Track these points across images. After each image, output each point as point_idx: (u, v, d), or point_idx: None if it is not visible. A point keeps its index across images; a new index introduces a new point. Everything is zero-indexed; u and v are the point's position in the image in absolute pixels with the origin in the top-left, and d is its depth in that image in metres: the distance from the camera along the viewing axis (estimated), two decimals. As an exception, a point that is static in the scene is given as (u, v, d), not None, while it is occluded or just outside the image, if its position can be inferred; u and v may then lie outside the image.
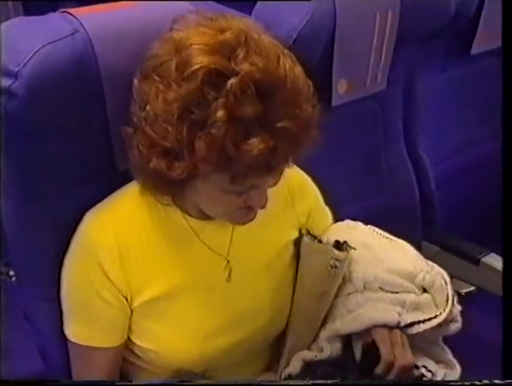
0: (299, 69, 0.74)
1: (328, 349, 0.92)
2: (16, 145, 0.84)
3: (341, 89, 1.19)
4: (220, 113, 0.67)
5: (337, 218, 1.07)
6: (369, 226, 1.03)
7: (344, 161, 1.30)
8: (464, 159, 1.53)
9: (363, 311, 0.90)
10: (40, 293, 0.92)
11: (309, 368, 0.91)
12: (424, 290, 0.94)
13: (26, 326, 0.98)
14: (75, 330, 0.88)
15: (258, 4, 1.11)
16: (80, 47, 0.79)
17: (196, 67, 0.68)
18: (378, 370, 0.86)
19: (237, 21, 0.74)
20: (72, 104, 0.83)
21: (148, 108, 0.73)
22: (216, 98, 0.67)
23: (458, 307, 0.94)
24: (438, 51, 1.41)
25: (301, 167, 0.97)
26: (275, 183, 0.81)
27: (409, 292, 0.92)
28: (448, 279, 0.95)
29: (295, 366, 0.92)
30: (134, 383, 0.96)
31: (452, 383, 0.95)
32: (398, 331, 0.89)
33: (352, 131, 1.29)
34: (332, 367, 0.91)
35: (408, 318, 0.89)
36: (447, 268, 1.37)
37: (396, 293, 0.92)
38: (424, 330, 0.90)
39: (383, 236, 1.01)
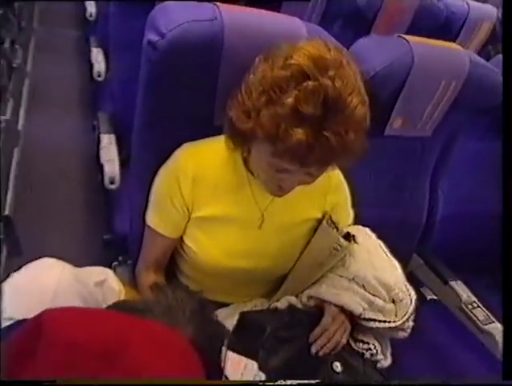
0: (362, 108, 0.70)
1: (306, 303, 0.91)
2: (152, 83, 0.86)
3: (396, 124, 1.12)
4: (290, 100, 0.66)
5: (361, 218, 1.01)
6: (379, 241, 0.97)
7: (379, 175, 1.23)
8: (471, 210, 1.41)
9: (343, 294, 0.87)
10: (140, 186, 0.94)
11: (290, 309, 0.89)
12: (393, 301, 0.88)
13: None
14: (151, 218, 0.91)
15: (360, 40, 1.07)
16: (214, 31, 0.80)
17: (294, 62, 0.67)
18: (313, 332, 0.84)
19: (342, 53, 0.72)
20: (195, 66, 0.84)
21: (251, 76, 0.73)
22: (293, 89, 0.66)
23: (411, 323, 0.89)
24: (482, 123, 1.29)
25: (343, 170, 0.93)
26: (309, 183, 0.77)
27: (380, 298, 0.87)
28: (414, 302, 0.89)
29: (282, 303, 0.91)
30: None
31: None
32: (345, 318, 0.86)
33: (393, 156, 1.21)
34: (304, 316, 0.88)
35: (368, 315, 0.86)
36: (423, 278, 1.35)
37: (373, 295, 0.88)
38: (377, 328, 0.87)
39: (385, 253, 0.95)
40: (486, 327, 1.17)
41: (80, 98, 2.66)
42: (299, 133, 0.66)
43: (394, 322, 0.86)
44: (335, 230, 0.90)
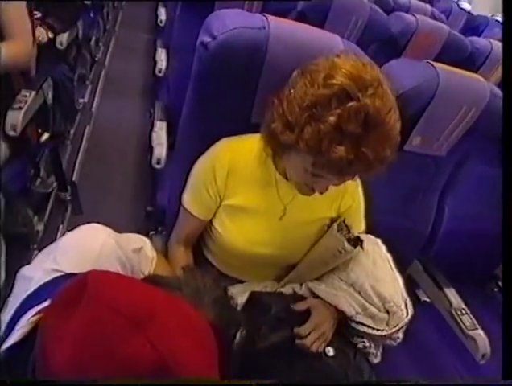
0: (398, 124, 0.64)
1: (306, 294, 0.84)
2: (201, 79, 0.82)
3: (415, 142, 1.03)
4: (333, 119, 0.60)
5: (374, 223, 0.91)
6: (388, 254, 0.85)
7: (394, 186, 1.13)
8: (471, 227, 1.29)
9: (339, 295, 0.80)
10: (181, 170, 0.90)
11: (294, 296, 0.84)
12: (388, 312, 0.79)
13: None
14: (186, 199, 0.87)
15: (392, 62, 1.00)
16: (260, 39, 0.76)
17: (336, 82, 0.61)
18: (302, 328, 0.75)
19: (378, 71, 0.65)
20: (240, 68, 0.79)
21: (292, 91, 0.67)
22: (336, 108, 0.61)
23: (401, 335, 0.80)
24: (493, 150, 1.14)
25: (362, 180, 0.87)
26: (338, 185, 0.72)
27: (374, 306, 0.79)
28: (408, 316, 0.78)
29: (286, 289, 0.86)
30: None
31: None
32: (331, 316, 0.78)
33: (409, 170, 1.12)
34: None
35: (359, 319, 0.78)
36: (420, 282, 1.25)
37: (368, 302, 0.79)
38: (364, 332, 0.79)
39: (391, 266, 0.83)
40: (470, 333, 1.09)
41: (142, 89, 2.69)
42: (340, 150, 0.61)
43: (381, 330, 0.78)
44: (344, 234, 0.82)
